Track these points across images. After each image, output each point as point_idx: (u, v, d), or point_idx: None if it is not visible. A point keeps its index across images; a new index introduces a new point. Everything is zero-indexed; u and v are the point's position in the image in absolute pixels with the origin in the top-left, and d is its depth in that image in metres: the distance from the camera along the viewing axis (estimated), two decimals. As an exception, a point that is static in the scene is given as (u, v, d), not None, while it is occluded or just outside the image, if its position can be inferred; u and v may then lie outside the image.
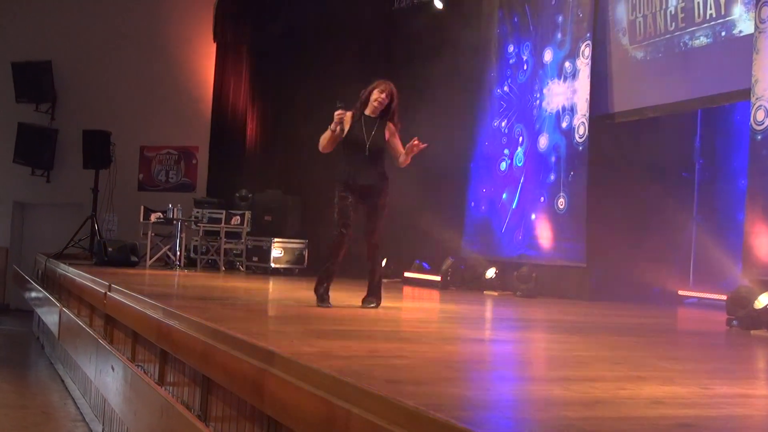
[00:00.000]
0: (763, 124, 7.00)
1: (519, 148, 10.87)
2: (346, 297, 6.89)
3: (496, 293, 9.81)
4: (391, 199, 6.43)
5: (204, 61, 15.44)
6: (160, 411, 4.29)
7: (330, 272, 6.34)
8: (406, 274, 11.25)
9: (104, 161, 13.34)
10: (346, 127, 6.35)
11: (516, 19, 11.19)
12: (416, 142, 6.19)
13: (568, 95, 9.94)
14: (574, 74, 9.85)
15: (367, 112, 6.42)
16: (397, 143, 6.41)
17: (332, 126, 6.30)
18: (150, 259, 11.95)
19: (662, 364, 3.99)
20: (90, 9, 16.28)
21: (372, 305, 6.39)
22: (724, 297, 6.91)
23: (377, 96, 6.36)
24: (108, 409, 6.16)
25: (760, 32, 7.14)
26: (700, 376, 3.64)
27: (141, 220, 12.24)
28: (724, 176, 9.41)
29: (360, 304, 6.43)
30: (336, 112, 6.30)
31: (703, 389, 3.17)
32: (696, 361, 4.31)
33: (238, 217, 12.78)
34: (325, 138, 6.37)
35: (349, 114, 6.37)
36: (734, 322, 6.27)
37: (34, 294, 11.57)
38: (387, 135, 6.39)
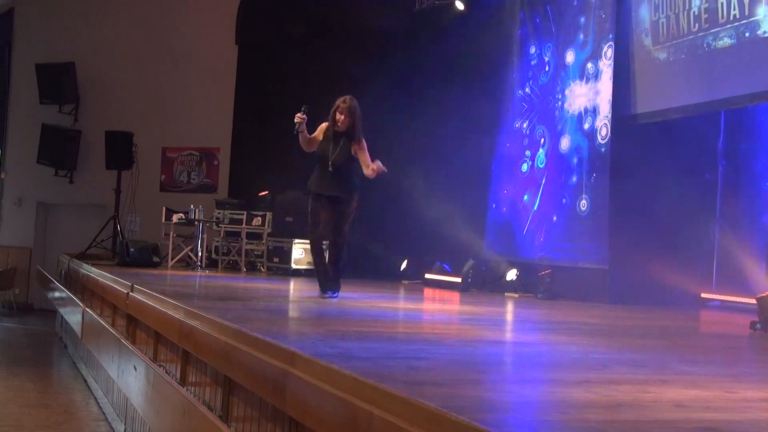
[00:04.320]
0: (787, 125, 6.94)
1: (541, 150, 10.83)
2: (365, 298, 6.88)
3: (517, 295, 9.77)
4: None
5: (226, 63, 15.49)
6: (182, 411, 4.31)
7: (319, 269, 7.04)
8: (427, 276, 11.22)
9: (127, 162, 13.47)
10: (319, 137, 6.91)
11: (538, 20, 11.16)
12: (375, 166, 6.69)
13: (590, 96, 9.89)
14: (596, 75, 9.80)
15: (337, 128, 6.85)
16: (364, 156, 6.81)
17: (295, 129, 6.79)
18: (172, 259, 12.01)
19: (685, 367, 3.96)
20: (113, 11, 16.39)
21: (334, 294, 6.94)
22: (747, 300, 6.85)
23: (338, 117, 6.76)
24: (130, 408, 6.19)
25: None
26: (724, 379, 3.61)
27: (163, 220, 12.30)
28: (747, 178, 9.32)
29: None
30: (297, 115, 6.78)
31: (727, 393, 3.14)
32: (720, 365, 4.27)
33: (260, 218, 12.80)
34: (301, 141, 6.95)
35: (324, 125, 6.94)
36: (758, 326, 6.21)
37: (57, 294, 11.66)
38: (353, 150, 6.79)
